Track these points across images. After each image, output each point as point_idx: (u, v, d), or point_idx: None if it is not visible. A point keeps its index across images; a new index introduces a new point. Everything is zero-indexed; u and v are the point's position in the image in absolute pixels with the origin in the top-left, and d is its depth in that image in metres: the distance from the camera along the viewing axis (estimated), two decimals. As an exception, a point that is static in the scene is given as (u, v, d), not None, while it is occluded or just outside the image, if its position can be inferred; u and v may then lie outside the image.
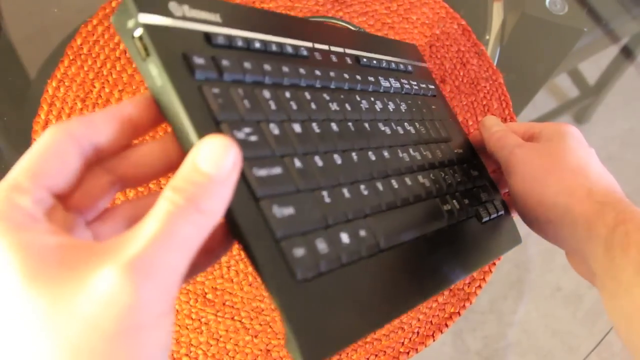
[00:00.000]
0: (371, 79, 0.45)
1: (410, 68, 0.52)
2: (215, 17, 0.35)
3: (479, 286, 0.54)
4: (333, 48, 0.45)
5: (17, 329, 0.21)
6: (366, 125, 0.41)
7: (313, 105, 0.37)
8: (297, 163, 0.33)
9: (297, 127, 0.35)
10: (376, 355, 0.51)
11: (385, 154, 0.41)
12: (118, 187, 0.29)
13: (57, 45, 0.61)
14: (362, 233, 0.34)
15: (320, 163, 0.35)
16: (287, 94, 0.36)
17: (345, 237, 0.33)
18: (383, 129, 0.42)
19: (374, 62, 0.48)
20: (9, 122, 0.60)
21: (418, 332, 0.52)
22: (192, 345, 0.49)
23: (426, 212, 0.41)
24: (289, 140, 0.34)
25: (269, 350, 0.50)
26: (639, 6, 0.77)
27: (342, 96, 0.41)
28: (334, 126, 0.38)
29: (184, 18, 0.33)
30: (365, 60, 0.47)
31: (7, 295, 0.21)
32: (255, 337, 0.50)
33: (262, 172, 0.30)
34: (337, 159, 0.36)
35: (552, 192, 0.41)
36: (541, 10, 0.70)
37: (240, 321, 0.51)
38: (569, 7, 0.71)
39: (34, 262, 0.21)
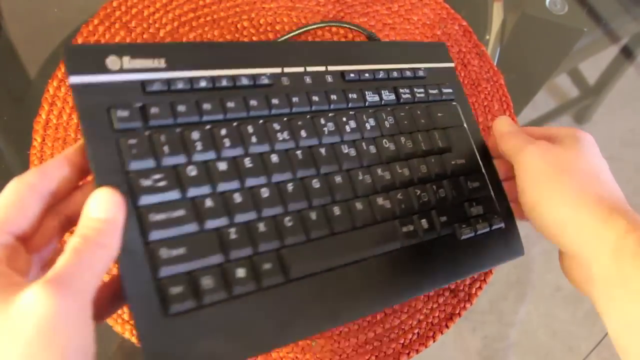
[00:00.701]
0: (353, 95, 0.46)
1: (421, 73, 0.51)
2: (160, 63, 0.38)
3: (480, 287, 0.54)
4: (311, 68, 0.45)
5: None
6: (322, 150, 0.42)
7: (254, 139, 0.39)
8: (209, 203, 0.35)
9: (222, 165, 0.37)
10: (377, 356, 0.51)
11: (338, 179, 0.41)
12: (68, 227, 0.33)
13: (57, 45, 0.61)
14: (267, 266, 0.36)
15: (238, 199, 0.37)
16: (223, 131, 0.38)
17: (241, 272, 0.35)
18: (346, 151, 0.43)
19: (366, 74, 0.48)
20: (9, 122, 0.60)
21: (418, 333, 0.52)
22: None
23: (371, 236, 0.42)
24: (205, 181, 0.36)
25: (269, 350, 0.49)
26: (639, 6, 0.77)
27: (299, 122, 0.42)
28: (273, 158, 0.39)
29: (121, 71, 0.37)
30: (352, 75, 0.47)
31: None
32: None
33: (159, 217, 0.33)
34: (265, 192, 0.38)
35: (562, 192, 0.41)
36: (541, 10, 0.70)
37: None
38: (569, 7, 0.71)
39: None
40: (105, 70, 0.36)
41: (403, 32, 0.64)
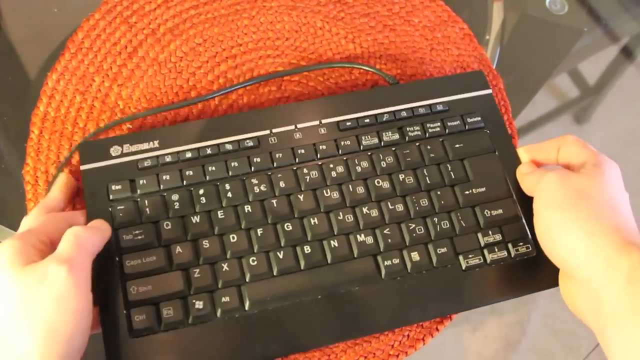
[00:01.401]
0: (346, 142, 0.50)
1: (440, 107, 0.53)
2: (154, 144, 0.49)
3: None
4: (302, 125, 0.51)
5: (12, 298, 0.37)
6: (300, 196, 0.47)
7: (229, 194, 0.47)
8: (178, 249, 0.45)
9: (195, 218, 0.46)
10: (365, 357, 0.50)
11: (314, 220, 0.47)
12: None
13: (57, 45, 0.61)
14: (225, 299, 0.44)
15: (206, 245, 0.45)
16: (201, 191, 0.47)
17: (199, 304, 0.43)
18: (328, 194, 0.48)
19: (366, 120, 0.51)
20: (9, 122, 0.60)
21: (409, 335, 0.51)
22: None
23: (343, 272, 0.46)
24: (177, 232, 0.45)
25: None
26: (639, 6, 0.77)
27: (279, 175, 0.48)
28: (247, 207, 0.47)
29: (121, 155, 0.48)
30: (349, 123, 0.51)
31: (7, 285, 0.37)
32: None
33: (134, 262, 0.44)
34: (233, 237, 0.46)
35: (577, 217, 0.41)
36: (541, 10, 0.70)
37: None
38: (569, 7, 0.71)
39: (26, 268, 0.38)
40: (109, 157, 0.48)
41: (403, 33, 0.64)
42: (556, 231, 0.42)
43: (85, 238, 0.40)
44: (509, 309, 0.58)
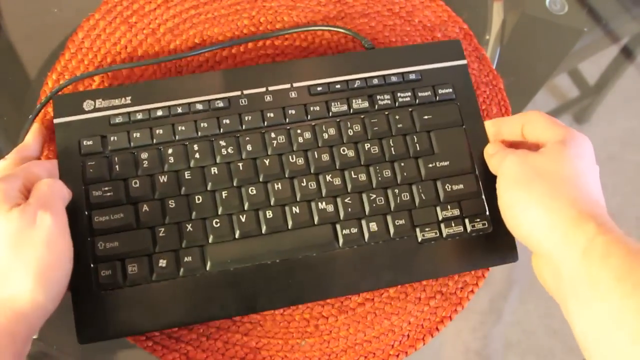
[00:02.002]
0: (315, 108, 0.51)
1: (412, 76, 0.53)
2: (126, 100, 0.50)
3: (472, 291, 0.54)
4: (273, 87, 0.51)
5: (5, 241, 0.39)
6: (266, 160, 0.48)
7: (197, 155, 0.48)
8: (145, 207, 0.46)
9: (163, 178, 0.47)
10: (365, 357, 0.51)
11: (278, 185, 0.48)
12: None
13: (57, 45, 0.61)
14: (188, 259, 0.46)
15: (172, 205, 0.47)
16: (170, 150, 0.48)
17: (163, 262, 0.45)
18: (294, 160, 0.48)
19: (337, 86, 0.52)
20: (8, 122, 0.60)
21: (408, 335, 0.52)
22: (182, 341, 0.50)
23: (302, 238, 0.47)
24: (145, 190, 0.47)
25: (258, 349, 0.50)
26: (639, 6, 0.77)
27: (247, 138, 0.49)
28: (213, 169, 0.48)
29: (94, 110, 0.49)
30: (320, 88, 0.51)
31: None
32: (246, 334, 0.50)
33: (102, 218, 0.46)
34: (199, 199, 0.47)
35: (535, 194, 0.42)
36: (541, 10, 0.70)
37: (231, 319, 0.51)
38: (569, 7, 0.71)
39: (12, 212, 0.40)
40: (81, 111, 0.49)
41: (403, 33, 0.64)
42: (517, 209, 0.43)
43: (58, 187, 0.43)
44: (509, 309, 0.57)
